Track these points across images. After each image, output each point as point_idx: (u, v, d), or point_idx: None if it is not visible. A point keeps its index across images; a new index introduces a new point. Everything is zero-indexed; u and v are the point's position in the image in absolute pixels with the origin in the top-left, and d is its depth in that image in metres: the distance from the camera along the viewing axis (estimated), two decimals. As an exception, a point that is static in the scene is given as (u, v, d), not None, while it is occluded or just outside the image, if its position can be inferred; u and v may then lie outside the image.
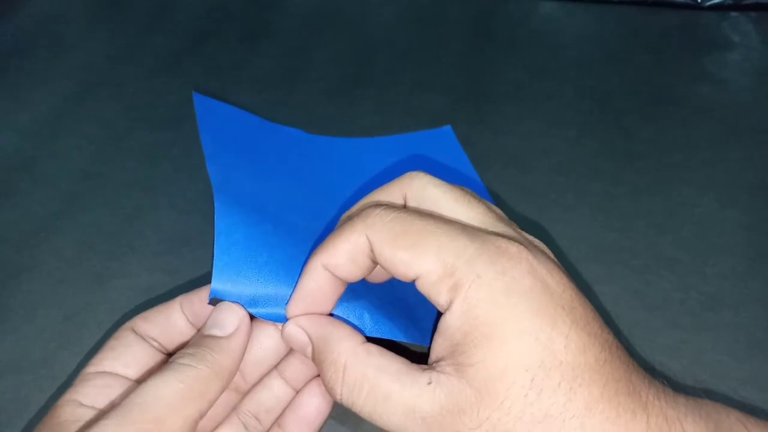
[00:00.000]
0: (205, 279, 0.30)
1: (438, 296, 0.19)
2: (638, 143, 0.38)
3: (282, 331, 0.22)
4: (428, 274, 0.19)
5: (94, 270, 0.31)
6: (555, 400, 0.17)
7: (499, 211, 0.23)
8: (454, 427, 0.18)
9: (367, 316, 0.23)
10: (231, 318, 0.21)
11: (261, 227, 0.25)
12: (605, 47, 0.47)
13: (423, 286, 0.19)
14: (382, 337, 0.23)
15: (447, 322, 0.19)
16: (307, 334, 0.21)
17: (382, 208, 0.20)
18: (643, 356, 0.27)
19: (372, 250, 0.20)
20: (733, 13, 0.50)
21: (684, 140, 0.38)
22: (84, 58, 0.47)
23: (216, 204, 0.26)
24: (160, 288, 0.30)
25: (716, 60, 0.45)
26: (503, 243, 0.19)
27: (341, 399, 0.20)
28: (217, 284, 0.23)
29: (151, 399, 0.18)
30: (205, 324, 0.22)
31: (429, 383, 0.18)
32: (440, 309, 0.19)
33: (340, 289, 0.22)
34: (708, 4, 0.51)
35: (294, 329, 0.21)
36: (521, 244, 0.19)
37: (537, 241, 0.22)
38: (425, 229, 0.19)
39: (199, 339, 0.21)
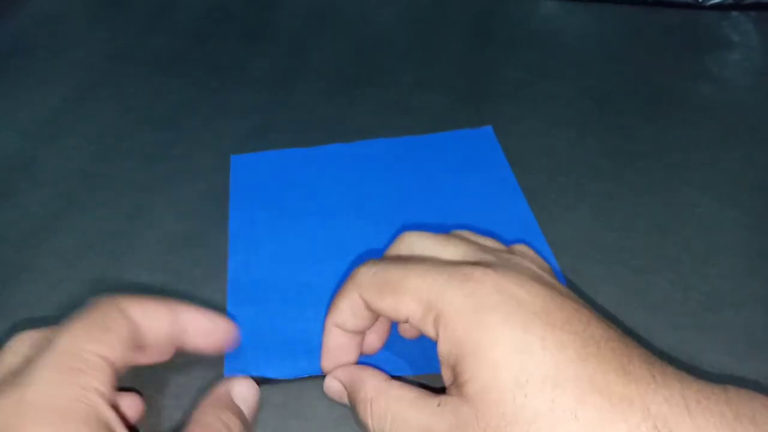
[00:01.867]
0: (205, 278, 0.30)
1: (428, 330, 0.21)
2: (638, 143, 0.38)
3: (324, 385, 0.25)
4: (413, 313, 0.21)
5: (94, 270, 0.31)
6: (543, 397, 0.18)
7: (489, 242, 0.24)
8: None
9: (389, 357, 0.26)
10: (255, 397, 0.24)
11: (270, 312, 0.28)
12: (605, 47, 0.47)
13: (414, 325, 0.22)
14: (401, 374, 0.26)
15: (441, 351, 0.21)
16: (341, 382, 0.24)
17: (366, 265, 0.23)
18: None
19: (368, 305, 0.23)
20: (734, 13, 0.50)
21: (684, 140, 0.38)
22: (84, 58, 0.47)
23: (229, 295, 0.29)
24: (160, 288, 0.30)
25: (717, 59, 0.45)
26: (468, 269, 0.21)
27: (373, 429, 0.22)
28: (230, 371, 0.26)
29: None
30: (230, 388, 0.24)
31: (438, 405, 0.20)
32: (435, 340, 0.21)
33: (356, 339, 0.25)
34: (708, 3, 0.51)
35: (330, 381, 0.24)
36: (488, 266, 0.21)
37: (521, 260, 0.23)
38: (401, 275, 0.22)
39: (231, 404, 0.23)
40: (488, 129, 0.39)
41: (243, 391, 0.24)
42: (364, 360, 0.25)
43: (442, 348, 0.20)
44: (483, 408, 0.19)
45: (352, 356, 0.25)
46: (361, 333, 0.25)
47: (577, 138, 0.39)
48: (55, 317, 0.29)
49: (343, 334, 0.24)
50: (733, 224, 0.33)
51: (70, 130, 0.40)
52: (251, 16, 0.52)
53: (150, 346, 0.22)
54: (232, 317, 0.28)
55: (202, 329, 0.24)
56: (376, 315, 0.24)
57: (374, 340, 0.26)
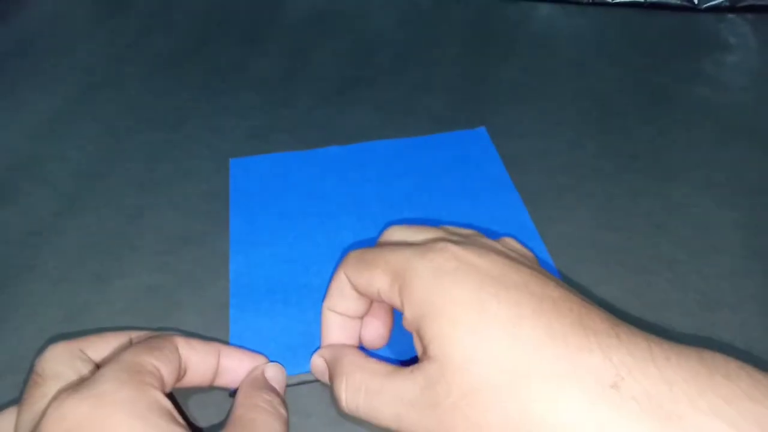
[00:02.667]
0: (206, 279, 0.30)
1: (395, 300, 0.22)
2: (636, 144, 0.38)
3: (310, 365, 0.26)
4: (383, 284, 0.23)
5: (94, 270, 0.31)
6: (499, 344, 0.19)
7: (468, 232, 0.25)
8: (434, 400, 0.20)
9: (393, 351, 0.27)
10: (285, 378, 0.26)
11: (271, 313, 0.29)
12: (603, 49, 0.47)
13: (385, 297, 0.23)
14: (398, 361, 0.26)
15: (406, 319, 0.22)
16: (324, 359, 0.25)
17: (353, 251, 0.25)
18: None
19: (352, 283, 0.24)
20: (730, 15, 0.51)
21: (682, 141, 0.38)
22: (85, 59, 0.47)
23: (231, 297, 0.29)
24: (160, 288, 0.30)
25: (713, 61, 0.46)
26: (432, 243, 0.23)
27: (346, 404, 0.22)
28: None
29: None
30: (264, 371, 0.25)
31: (411, 372, 0.21)
32: (402, 311, 0.22)
33: (351, 323, 0.25)
34: (705, 6, 0.51)
35: (314, 359, 0.25)
36: (449, 241, 0.23)
37: (493, 243, 0.24)
38: (377, 253, 0.24)
39: (269, 385, 0.25)
40: (482, 130, 0.39)
41: (276, 374, 0.25)
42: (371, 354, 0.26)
43: (407, 314, 0.22)
44: (446, 363, 0.20)
45: (348, 341, 0.25)
46: (356, 318, 0.26)
47: (576, 139, 0.39)
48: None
49: (337, 319, 0.25)
50: (731, 224, 0.33)
51: (71, 131, 0.40)
52: (252, 18, 0.52)
53: (191, 376, 0.24)
54: (234, 320, 0.28)
55: (239, 369, 0.26)
56: (364, 298, 0.25)
57: (377, 335, 0.26)
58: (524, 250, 0.25)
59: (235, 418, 0.22)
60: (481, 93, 0.43)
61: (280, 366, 0.26)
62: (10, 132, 0.40)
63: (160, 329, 0.28)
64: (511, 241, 0.25)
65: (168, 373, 0.22)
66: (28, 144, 0.39)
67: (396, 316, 0.27)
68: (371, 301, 0.25)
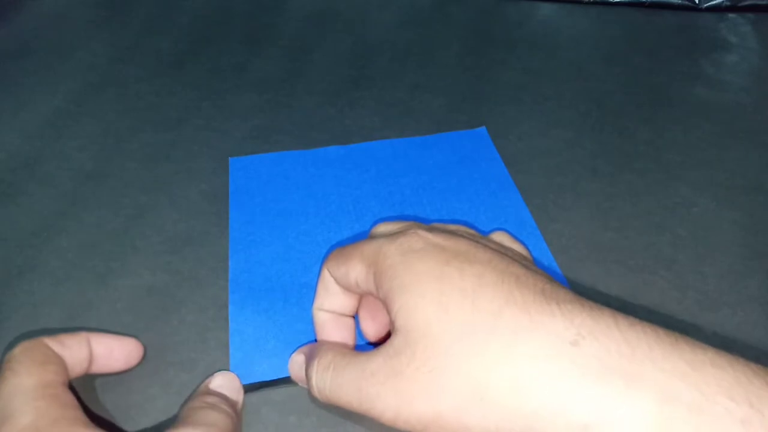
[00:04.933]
0: (207, 278, 0.31)
1: (371, 287, 0.23)
2: (636, 144, 0.38)
3: (289, 367, 0.26)
4: (359, 273, 0.23)
5: (96, 269, 0.31)
6: (461, 312, 0.20)
7: (452, 227, 0.25)
8: (396, 369, 0.20)
9: None
10: (234, 383, 0.26)
11: (271, 312, 0.29)
12: (603, 49, 0.47)
13: (362, 286, 0.23)
14: None
15: (381, 299, 0.22)
16: (303, 354, 0.25)
17: (335, 249, 0.25)
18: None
19: (334, 278, 0.25)
20: (731, 15, 0.51)
21: (682, 141, 0.38)
22: (86, 60, 0.47)
23: (230, 296, 0.30)
24: (162, 287, 0.30)
25: (714, 61, 0.46)
26: (403, 231, 0.23)
27: (315, 385, 0.23)
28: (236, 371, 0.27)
29: None
30: (208, 382, 0.25)
31: (378, 348, 0.21)
32: (376, 295, 0.23)
33: (342, 321, 0.26)
34: (705, 5, 0.51)
35: (293, 356, 0.26)
36: (420, 228, 0.23)
37: (473, 236, 0.24)
38: (354, 246, 0.24)
39: (211, 390, 0.25)
40: (482, 130, 0.39)
41: (222, 382, 0.25)
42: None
43: (380, 296, 0.22)
44: (409, 333, 0.20)
45: (346, 336, 0.26)
46: (346, 316, 0.26)
47: (575, 139, 0.39)
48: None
49: (327, 317, 0.26)
50: (730, 224, 0.33)
51: (72, 131, 0.40)
52: (252, 19, 0.52)
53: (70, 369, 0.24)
54: (234, 318, 0.28)
55: (111, 351, 0.26)
56: (349, 293, 0.25)
57: (373, 327, 0.26)
58: (514, 244, 0.25)
59: (175, 421, 0.23)
60: (481, 93, 0.43)
61: (230, 374, 0.26)
62: (10, 132, 0.40)
63: (160, 329, 0.28)
64: (499, 236, 0.26)
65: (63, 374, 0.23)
66: (28, 144, 0.39)
67: None
68: (359, 297, 0.26)
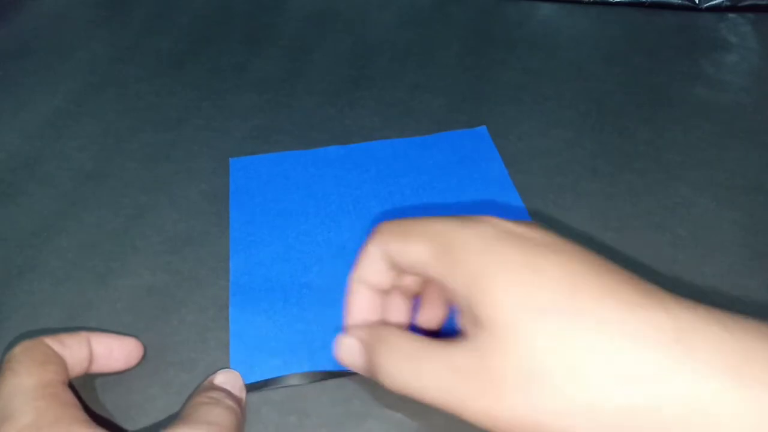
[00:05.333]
0: (207, 278, 0.31)
1: (436, 271, 0.22)
2: (636, 144, 0.38)
3: (336, 347, 0.25)
4: (422, 254, 0.22)
5: (96, 270, 0.31)
6: (557, 307, 0.18)
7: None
8: (488, 368, 0.19)
9: None
10: (237, 381, 0.26)
11: (271, 313, 0.29)
12: (603, 49, 0.47)
13: (421, 268, 0.22)
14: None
15: (455, 287, 0.21)
16: (359, 340, 0.24)
17: (383, 222, 0.24)
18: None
19: (382, 251, 0.23)
20: (731, 15, 0.51)
21: (682, 141, 0.38)
22: (86, 59, 0.47)
23: (231, 297, 0.30)
24: (162, 287, 0.30)
25: (714, 61, 0.46)
26: (474, 218, 0.22)
27: (390, 376, 0.22)
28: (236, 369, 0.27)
29: None
30: (211, 379, 0.25)
31: (460, 341, 0.20)
32: (444, 282, 0.21)
33: (379, 297, 0.25)
34: (705, 5, 0.51)
35: (345, 339, 0.24)
36: (491, 217, 0.22)
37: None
38: (414, 223, 0.23)
39: (215, 386, 0.25)
40: (483, 129, 0.39)
41: (227, 378, 0.25)
42: None
43: (453, 285, 0.21)
44: (500, 330, 0.19)
45: (375, 316, 0.25)
46: (384, 291, 0.25)
47: (575, 139, 0.39)
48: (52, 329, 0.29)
49: (365, 291, 0.25)
50: (730, 224, 0.33)
51: (72, 131, 0.40)
52: (252, 19, 0.52)
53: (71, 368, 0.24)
54: (234, 319, 0.28)
55: (111, 350, 0.26)
56: (393, 270, 0.24)
57: (434, 316, 0.26)
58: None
59: (178, 418, 0.23)
60: (481, 93, 0.43)
61: (233, 372, 0.26)
62: (10, 132, 0.40)
63: (160, 329, 0.28)
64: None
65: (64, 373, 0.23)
66: (28, 144, 0.39)
67: None
68: (397, 275, 0.24)
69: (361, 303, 0.25)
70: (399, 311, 0.25)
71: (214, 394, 0.24)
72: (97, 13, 0.53)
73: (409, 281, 0.25)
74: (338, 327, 0.28)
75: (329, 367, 0.26)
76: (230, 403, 0.23)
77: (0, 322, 0.29)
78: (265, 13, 0.53)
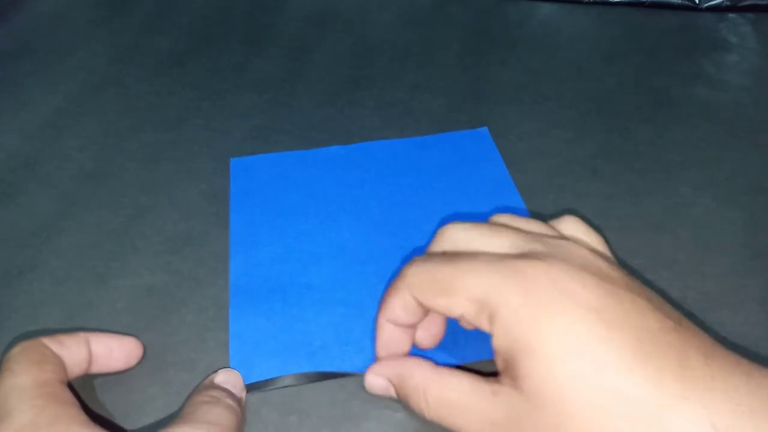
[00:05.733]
0: (207, 278, 0.31)
1: (482, 325, 0.21)
2: (636, 144, 0.38)
3: (365, 383, 0.25)
4: (466, 312, 0.22)
5: (96, 270, 0.31)
6: (597, 392, 0.18)
7: (534, 226, 0.24)
8: (519, 428, 0.20)
9: (437, 349, 0.26)
10: (237, 380, 0.26)
11: (272, 313, 0.29)
12: (603, 49, 0.47)
13: (467, 321, 0.22)
14: (449, 364, 0.25)
15: (495, 345, 0.21)
16: (386, 377, 0.24)
17: (415, 264, 0.23)
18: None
19: (419, 303, 0.23)
20: (731, 15, 0.51)
21: (682, 141, 0.38)
22: (86, 59, 0.47)
23: (231, 297, 0.29)
24: (162, 287, 0.30)
25: (714, 61, 0.46)
26: (521, 265, 0.21)
27: (430, 418, 0.22)
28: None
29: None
30: (212, 378, 0.25)
31: (493, 394, 0.21)
32: (489, 332, 0.21)
33: (409, 332, 0.25)
34: (706, 5, 0.51)
35: (372, 379, 0.25)
36: (539, 259, 0.21)
37: (571, 246, 0.23)
38: (452, 274, 0.22)
39: (215, 385, 0.25)
40: (484, 130, 0.39)
41: (227, 378, 0.25)
42: (417, 352, 0.26)
43: (497, 343, 0.21)
44: (538, 401, 0.19)
45: (406, 347, 0.25)
46: (413, 328, 0.25)
47: (576, 139, 0.39)
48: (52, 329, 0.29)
49: (395, 329, 0.25)
50: (731, 224, 0.33)
51: (72, 131, 0.40)
52: (252, 19, 0.52)
53: (69, 368, 0.24)
54: (234, 319, 0.28)
55: (110, 351, 0.26)
56: (427, 310, 0.24)
57: (429, 337, 0.26)
58: (593, 235, 0.24)
59: (178, 417, 0.23)
60: (481, 93, 0.43)
61: (233, 371, 0.26)
62: (10, 132, 0.40)
63: (160, 329, 0.28)
64: (574, 224, 0.24)
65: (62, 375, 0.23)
66: (28, 144, 0.39)
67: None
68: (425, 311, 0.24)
69: (391, 340, 0.25)
70: (429, 335, 0.26)
71: (215, 393, 0.24)
72: (97, 13, 0.53)
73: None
74: (338, 327, 0.28)
75: (329, 368, 0.26)
76: (230, 402, 0.23)
77: (0, 322, 0.29)
78: (265, 13, 0.53)
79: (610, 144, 0.38)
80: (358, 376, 0.26)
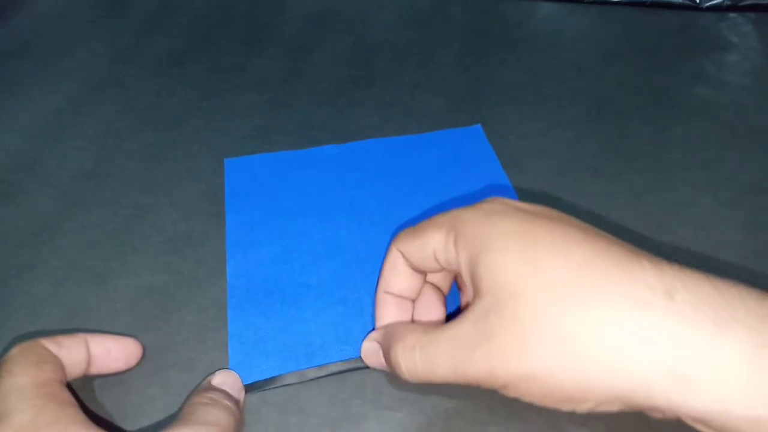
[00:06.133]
0: (207, 278, 0.31)
1: (450, 254, 0.23)
2: (637, 144, 0.38)
3: (361, 352, 0.26)
4: (437, 242, 0.23)
5: (96, 270, 0.31)
6: (550, 267, 0.19)
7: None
8: (488, 332, 0.20)
9: None
10: (235, 381, 0.26)
11: (269, 313, 0.29)
12: (604, 48, 0.47)
13: (440, 256, 0.23)
14: None
15: (461, 265, 0.22)
16: (376, 341, 0.25)
17: (403, 229, 0.25)
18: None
19: (405, 257, 0.25)
20: (732, 14, 0.51)
21: (682, 140, 0.38)
22: (85, 59, 0.47)
23: (229, 298, 0.29)
24: (161, 287, 0.30)
25: (715, 61, 0.45)
26: (482, 201, 0.24)
27: (405, 368, 0.23)
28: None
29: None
30: (209, 379, 0.25)
31: (463, 314, 0.21)
32: (458, 266, 0.23)
33: (404, 305, 0.26)
34: (706, 5, 0.51)
35: (365, 343, 0.26)
36: (495, 198, 0.23)
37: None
38: (426, 221, 0.24)
39: (213, 387, 0.25)
40: (477, 127, 0.39)
41: (225, 379, 0.25)
42: None
43: (462, 261, 0.22)
44: (499, 292, 0.20)
45: (404, 319, 0.26)
46: (409, 299, 0.26)
47: (576, 139, 0.39)
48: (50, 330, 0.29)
49: (392, 300, 0.26)
50: (731, 224, 0.33)
51: (71, 131, 0.40)
52: (252, 18, 0.52)
53: (68, 369, 0.24)
54: (233, 320, 0.28)
55: (109, 351, 0.26)
56: (417, 274, 0.25)
57: (428, 315, 0.26)
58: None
59: (177, 418, 0.23)
60: (481, 93, 0.43)
61: (232, 372, 0.26)
62: (10, 132, 0.40)
63: (160, 329, 0.28)
64: None
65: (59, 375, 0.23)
66: (28, 144, 0.39)
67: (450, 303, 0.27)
68: (424, 279, 0.26)
69: (390, 313, 0.26)
70: (430, 311, 0.26)
71: (213, 395, 0.24)
72: (97, 13, 0.53)
73: (438, 278, 0.26)
74: (337, 326, 0.28)
75: (328, 361, 0.26)
76: (228, 403, 0.23)
77: (0, 322, 0.29)
78: (265, 13, 0.53)
79: (611, 144, 0.38)
80: (357, 369, 0.26)
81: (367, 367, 0.26)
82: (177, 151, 0.39)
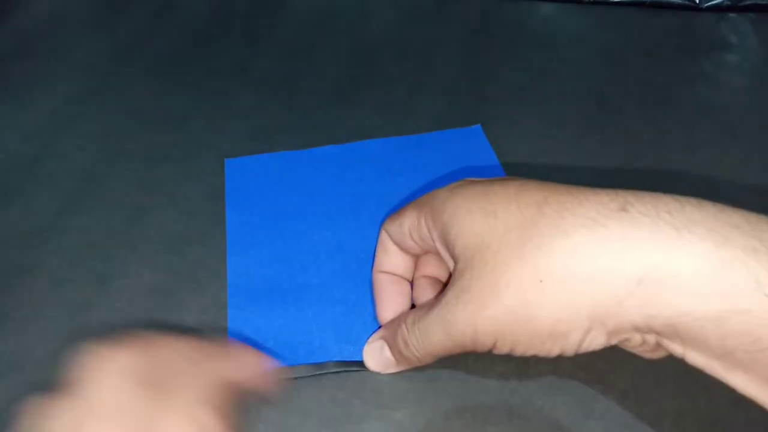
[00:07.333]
0: (207, 278, 0.31)
1: (424, 231, 0.24)
2: (637, 144, 0.38)
3: (365, 360, 0.26)
4: (411, 221, 0.24)
5: (96, 270, 0.31)
6: (508, 212, 0.20)
7: None
8: (465, 287, 0.21)
9: None
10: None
11: (270, 313, 0.29)
12: (604, 48, 0.47)
13: (415, 234, 0.24)
14: None
15: (436, 239, 0.23)
16: (382, 339, 0.26)
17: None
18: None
19: (391, 237, 0.26)
20: (731, 14, 0.51)
21: (682, 141, 0.38)
22: (86, 60, 0.47)
23: (229, 298, 0.29)
24: (161, 287, 0.30)
25: (714, 61, 0.46)
26: (452, 185, 0.24)
27: (413, 348, 0.23)
28: None
29: None
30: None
31: (448, 290, 0.22)
32: (432, 242, 0.24)
33: (400, 284, 0.27)
34: (706, 5, 0.51)
35: (368, 346, 0.26)
36: (467, 178, 0.24)
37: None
38: (410, 203, 0.25)
39: None
40: (477, 128, 0.39)
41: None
42: None
43: (435, 234, 0.23)
44: (469, 250, 0.21)
45: (402, 302, 0.26)
46: (404, 279, 0.27)
47: (576, 139, 0.39)
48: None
49: (387, 279, 0.27)
50: (731, 224, 0.33)
51: (72, 132, 0.40)
52: (252, 19, 0.52)
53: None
54: (233, 320, 0.28)
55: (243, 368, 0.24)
56: (407, 254, 0.26)
57: (425, 295, 0.27)
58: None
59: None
60: (481, 93, 0.43)
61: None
62: (12, 133, 0.40)
63: (160, 329, 0.28)
64: None
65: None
66: (30, 144, 0.39)
67: None
68: (414, 259, 0.26)
69: (386, 291, 0.26)
70: (425, 293, 0.26)
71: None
72: (97, 13, 0.53)
73: (432, 269, 0.27)
74: (337, 326, 0.28)
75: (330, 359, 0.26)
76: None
77: (0, 322, 0.29)
78: (265, 13, 0.53)
79: (611, 144, 0.38)
80: (358, 374, 0.26)
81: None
82: (177, 151, 0.39)
